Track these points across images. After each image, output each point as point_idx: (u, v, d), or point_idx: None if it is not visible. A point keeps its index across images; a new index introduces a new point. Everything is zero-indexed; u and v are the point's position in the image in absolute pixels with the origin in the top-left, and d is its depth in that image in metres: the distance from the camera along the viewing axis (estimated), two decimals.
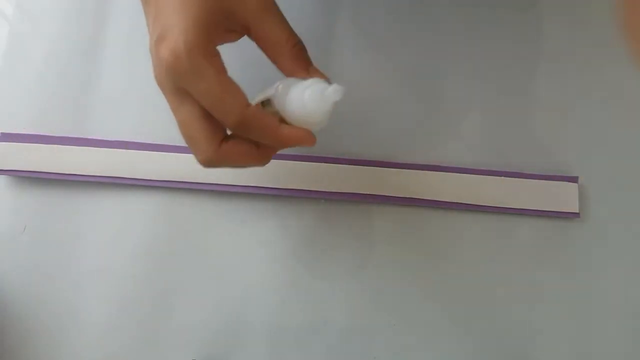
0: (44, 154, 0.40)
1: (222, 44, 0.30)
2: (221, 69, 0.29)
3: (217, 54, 0.29)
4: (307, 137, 0.29)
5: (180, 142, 0.41)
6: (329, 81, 0.29)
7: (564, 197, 0.40)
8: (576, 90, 0.41)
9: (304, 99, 0.28)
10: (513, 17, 0.43)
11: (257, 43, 0.31)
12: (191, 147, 0.30)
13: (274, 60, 0.31)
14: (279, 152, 0.40)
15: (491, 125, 0.42)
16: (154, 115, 0.42)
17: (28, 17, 0.44)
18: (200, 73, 0.28)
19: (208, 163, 0.30)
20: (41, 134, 0.41)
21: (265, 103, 0.31)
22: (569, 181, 0.40)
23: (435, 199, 0.40)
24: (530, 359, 0.38)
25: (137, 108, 0.42)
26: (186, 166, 0.40)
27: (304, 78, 0.29)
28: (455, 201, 0.40)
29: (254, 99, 0.32)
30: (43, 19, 0.44)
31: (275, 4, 0.30)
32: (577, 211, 0.40)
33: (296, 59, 0.31)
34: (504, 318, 0.39)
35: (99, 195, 0.40)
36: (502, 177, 0.41)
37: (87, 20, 0.44)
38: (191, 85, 0.28)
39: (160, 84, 0.29)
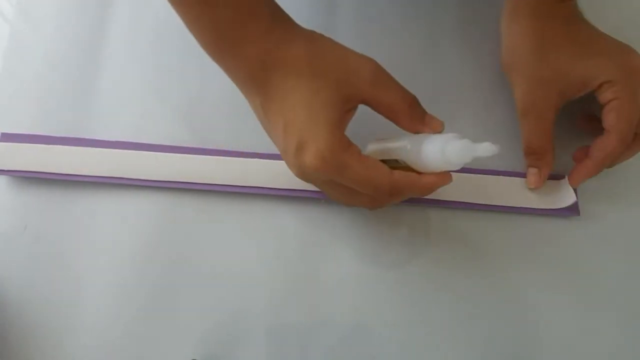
0: (44, 154, 0.40)
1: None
2: (359, 154, 0.31)
3: (350, 142, 0.32)
4: (447, 177, 0.32)
5: (180, 142, 0.41)
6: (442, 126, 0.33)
7: (564, 196, 0.40)
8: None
9: (446, 153, 0.30)
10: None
11: (375, 110, 0.33)
12: (369, 188, 0.32)
13: (393, 121, 0.33)
14: (277, 152, 0.40)
15: (491, 124, 0.42)
16: (154, 115, 0.42)
17: (28, 17, 0.44)
18: (345, 167, 0.30)
19: (391, 194, 0.32)
20: (41, 134, 0.41)
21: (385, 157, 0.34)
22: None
23: (435, 198, 0.40)
24: (531, 357, 0.38)
25: (137, 108, 0.42)
26: (186, 166, 0.40)
27: (429, 133, 0.32)
28: (456, 200, 0.40)
29: (366, 149, 0.36)
30: (43, 19, 0.44)
31: (384, 72, 0.32)
32: (577, 210, 0.40)
33: (414, 118, 0.33)
34: (504, 316, 0.39)
35: (99, 195, 0.40)
36: (502, 176, 0.41)
37: (87, 20, 0.44)
38: (339, 178, 0.31)
39: (308, 180, 0.34)
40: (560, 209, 0.40)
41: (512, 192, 0.40)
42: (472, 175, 0.40)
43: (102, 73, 0.43)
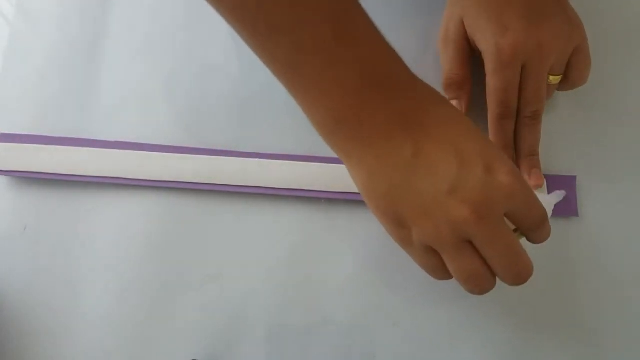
0: (44, 154, 0.40)
1: None
2: None
3: None
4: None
5: (180, 142, 0.41)
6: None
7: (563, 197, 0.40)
8: (574, 90, 0.41)
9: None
10: None
11: None
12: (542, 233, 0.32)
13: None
14: (277, 152, 0.40)
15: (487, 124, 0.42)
16: (154, 115, 0.42)
17: (28, 17, 0.44)
18: (530, 202, 0.30)
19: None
20: (41, 134, 0.41)
21: None
22: (568, 181, 0.40)
23: None
24: (531, 356, 0.38)
25: (137, 108, 0.42)
26: (186, 166, 0.40)
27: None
28: None
29: None
30: (43, 19, 0.44)
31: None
32: (576, 210, 0.40)
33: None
34: (504, 316, 0.39)
35: (99, 196, 0.40)
36: None
37: (87, 21, 0.44)
38: (523, 204, 0.29)
39: (490, 201, 0.28)
40: (560, 209, 0.40)
41: None
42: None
43: (102, 73, 0.43)
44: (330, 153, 0.40)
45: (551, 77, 0.38)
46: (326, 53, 0.27)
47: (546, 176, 0.40)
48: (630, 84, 0.43)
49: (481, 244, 0.29)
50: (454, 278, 0.31)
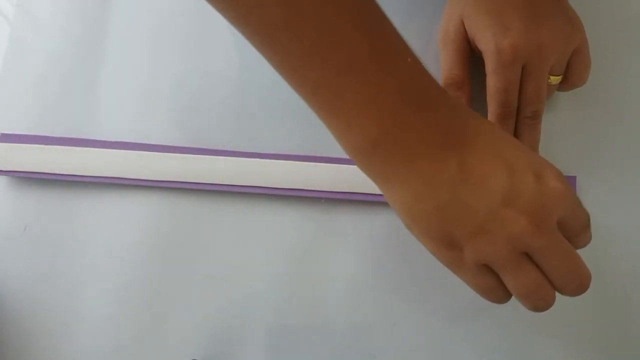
0: (44, 154, 0.40)
1: None
2: None
3: None
4: None
5: (180, 142, 0.41)
6: None
7: None
8: (574, 90, 0.41)
9: None
10: None
11: None
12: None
13: None
14: (277, 152, 0.40)
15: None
16: (154, 115, 0.42)
17: (28, 18, 0.44)
18: (574, 192, 0.29)
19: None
20: (41, 134, 0.41)
21: None
22: (568, 181, 0.40)
23: None
24: (530, 356, 0.38)
25: (137, 108, 0.42)
26: (186, 166, 0.40)
27: None
28: None
29: None
30: (43, 19, 0.44)
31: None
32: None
33: None
34: (503, 316, 0.39)
35: (99, 196, 0.40)
36: None
37: (88, 20, 0.44)
38: (572, 208, 0.29)
39: (541, 223, 0.28)
40: None
41: None
42: None
43: (102, 73, 0.43)
44: (330, 153, 0.40)
45: (551, 78, 0.38)
46: (362, 73, 0.26)
47: None
48: (630, 84, 0.43)
49: (541, 255, 0.28)
50: (513, 297, 0.31)
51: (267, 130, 0.41)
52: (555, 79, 0.38)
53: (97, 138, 0.41)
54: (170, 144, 0.40)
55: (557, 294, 0.30)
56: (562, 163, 0.41)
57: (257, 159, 0.40)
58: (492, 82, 0.37)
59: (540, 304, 0.30)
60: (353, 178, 0.39)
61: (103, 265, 0.39)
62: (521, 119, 0.39)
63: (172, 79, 0.43)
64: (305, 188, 0.39)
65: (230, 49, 0.43)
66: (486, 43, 0.37)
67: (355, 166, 0.36)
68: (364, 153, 0.28)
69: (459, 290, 0.39)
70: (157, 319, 0.39)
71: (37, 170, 0.40)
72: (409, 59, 0.27)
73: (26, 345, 0.38)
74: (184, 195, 0.40)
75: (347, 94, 0.26)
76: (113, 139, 0.40)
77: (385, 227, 0.40)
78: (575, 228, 0.30)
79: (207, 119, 0.42)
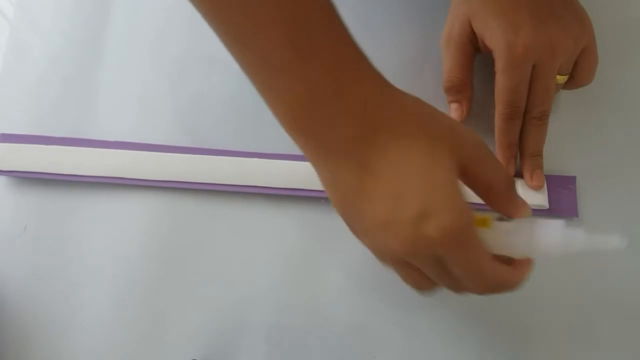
0: (44, 155, 0.40)
1: None
2: (481, 245, 0.28)
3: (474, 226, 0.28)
4: (532, 264, 0.31)
5: (180, 142, 0.41)
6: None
7: (562, 197, 0.40)
8: (574, 90, 0.41)
9: (571, 245, 0.30)
10: None
11: (468, 185, 0.30)
12: (475, 279, 0.30)
13: (485, 200, 0.31)
14: (277, 152, 0.40)
15: (489, 125, 0.42)
16: (154, 115, 0.42)
17: (29, 17, 0.44)
18: (469, 246, 0.28)
19: (488, 290, 0.31)
20: (41, 134, 0.41)
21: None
22: (568, 181, 0.40)
23: None
24: (530, 356, 0.38)
25: (137, 108, 0.42)
26: (186, 166, 0.40)
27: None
28: None
29: None
30: (43, 20, 0.44)
31: (487, 150, 0.30)
32: (576, 211, 0.40)
33: (509, 200, 0.31)
34: (503, 316, 0.39)
35: (99, 196, 0.40)
36: None
37: (88, 21, 0.44)
38: (456, 257, 0.28)
39: (407, 251, 0.28)
40: (559, 210, 0.40)
41: None
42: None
43: (102, 73, 0.43)
44: None
45: (558, 77, 0.38)
46: (279, 61, 0.26)
47: (546, 176, 0.40)
48: (630, 83, 0.43)
49: (418, 269, 0.30)
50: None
51: (267, 130, 0.41)
52: (561, 78, 0.38)
53: (97, 138, 0.41)
54: (170, 144, 0.40)
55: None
56: (562, 163, 0.41)
57: (257, 159, 0.40)
58: (502, 80, 0.37)
59: (419, 291, 0.33)
60: None
61: (103, 265, 0.39)
62: (528, 119, 0.38)
63: (172, 79, 0.43)
64: (305, 188, 0.39)
65: None
66: (497, 41, 0.37)
67: None
68: (290, 133, 0.29)
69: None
70: (157, 319, 0.39)
71: (37, 170, 0.40)
72: (331, 58, 0.26)
73: (26, 345, 0.38)
74: (184, 195, 0.40)
75: (269, 78, 0.27)
76: (113, 139, 0.41)
77: None
78: (462, 274, 0.29)
79: (207, 119, 0.42)
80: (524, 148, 0.39)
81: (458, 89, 0.40)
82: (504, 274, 0.30)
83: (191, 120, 0.42)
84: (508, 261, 0.31)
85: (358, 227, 0.30)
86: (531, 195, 0.39)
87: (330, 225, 0.40)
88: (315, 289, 0.39)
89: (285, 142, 0.40)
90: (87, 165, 0.40)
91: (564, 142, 0.42)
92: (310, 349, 0.38)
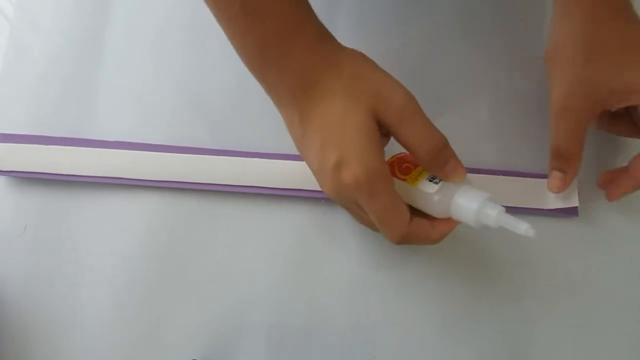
0: (44, 155, 0.40)
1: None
2: (392, 189, 0.31)
3: (389, 175, 0.31)
4: (454, 225, 0.33)
5: (180, 142, 0.41)
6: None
7: (564, 196, 0.40)
8: None
9: (481, 218, 0.31)
10: (512, 17, 0.43)
11: (398, 142, 0.32)
12: (384, 228, 0.32)
13: (416, 160, 0.34)
14: (277, 152, 0.40)
15: (490, 124, 0.42)
16: (154, 115, 0.42)
17: (29, 17, 0.44)
18: (374, 195, 0.31)
19: (400, 241, 0.33)
20: (41, 134, 0.41)
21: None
22: None
23: None
24: (529, 356, 0.38)
25: (137, 108, 0.42)
26: (186, 166, 0.40)
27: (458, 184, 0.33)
28: None
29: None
30: (44, 20, 0.44)
31: (413, 108, 0.31)
32: (577, 210, 0.40)
33: (434, 162, 0.32)
34: (503, 316, 0.39)
35: (98, 196, 0.40)
36: (501, 176, 0.40)
37: (88, 21, 0.44)
38: (366, 204, 0.31)
39: (338, 199, 0.33)
40: (559, 210, 0.40)
41: (511, 192, 0.40)
42: (471, 174, 0.40)
43: (102, 73, 0.43)
44: None
45: None
46: (236, 24, 0.32)
47: (547, 176, 0.40)
48: None
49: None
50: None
51: (267, 130, 0.41)
52: None
53: (97, 138, 0.41)
54: (170, 144, 0.40)
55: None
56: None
57: (257, 159, 0.40)
58: None
59: (379, 232, 0.34)
60: None
61: (103, 265, 0.39)
62: None
63: (172, 79, 0.43)
64: (305, 188, 0.39)
65: (230, 49, 0.43)
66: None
67: None
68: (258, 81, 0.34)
69: (459, 291, 0.39)
70: (157, 319, 0.39)
71: (37, 170, 0.40)
72: (278, 20, 0.31)
73: (26, 345, 0.38)
74: (184, 195, 0.40)
75: (234, 40, 0.33)
76: (113, 139, 0.40)
77: None
78: (373, 218, 0.32)
79: (207, 119, 0.42)
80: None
81: (566, 160, 0.37)
82: (418, 227, 0.32)
83: (191, 120, 0.42)
84: (429, 217, 0.33)
85: (310, 168, 0.34)
86: (561, 195, 0.40)
87: (330, 225, 0.40)
88: (315, 289, 0.39)
89: (285, 142, 0.41)
90: (87, 165, 0.40)
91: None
92: (310, 349, 0.38)
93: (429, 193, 0.32)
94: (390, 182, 0.31)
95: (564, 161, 0.37)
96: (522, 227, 0.30)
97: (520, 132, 0.42)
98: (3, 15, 0.44)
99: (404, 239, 0.32)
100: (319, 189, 0.39)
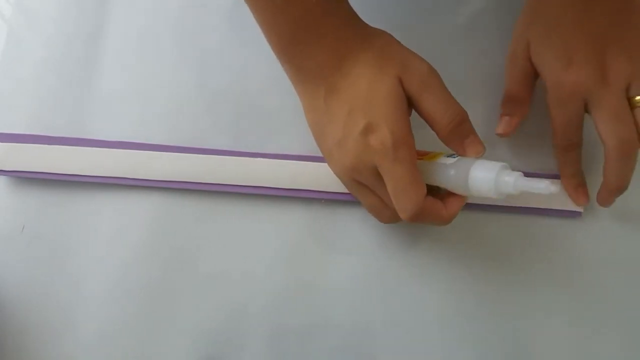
0: (42, 154, 0.40)
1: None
2: (415, 161, 0.32)
3: (414, 144, 0.32)
4: (464, 201, 0.34)
5: (180, 142, 0.41)
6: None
7: (567, 196, 0.40)
8: None
9: (500, 186, 0.31)
10: (513, 17, 0.43)
11: (419, 115, 0.34)
12: (401, 198, 0.32)
13: (434, 130, 0.34)
14: (277, 152, 0.40)
15: (492, 124, 0.42)
16: (154, 115, 0.42)
17: (26, 16, 0.44)
18: (400, 162, 0.31)
19: (413, 216, 0.33)
20: (40, 134, 0.40)
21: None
22: None
23: None
24: (531, 356, 0.38)
25: (137, 108, 0.42)
26: (186, 166, 0.40)
27: (475, 159, 0.33)
28: None
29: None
30: (42, 19, 0.44)
31: (436, 80, 0.33)
32: (580, 210, 0.40)
33: (453, 135, 0.33)
34: (505, 316, 0.39)
35: (98, 196, 0.40)
36: None
37: (86, 20, 0.44)
38: (388, 170, 0.32)
39: (355, 165, 0.33)
40: (563, 210, 0.40)
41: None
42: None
43: (101, 73, 0.43)
44: None
45: (638, 97, 0.36)
46: (267, 4, 0.33)
47: (549, 176, 0.40)
48: None
49: (372, 185, 0.34)
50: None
51: (267, 130, 0.41)
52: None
53: (96, 136, 0.41)
54: (170, 144, 0.40)
55: None
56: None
57: (258, 159, 0.40)
58: (553, 114, 0.37)
59: (380, 219, 0.37)
60: None
61: (102, 266, 0.39)
62: (609, 150, 0.36)
63: (171, 78, 0.43)
64: (305, 188, 0.39)
65: (230, 49, 0.43)
66: (549, 75, 0.37)
67: None
68: (282, 63, 0.35)
69: (459, 290, 0.39)
70: (157, 319, 0.39)
71: (36, 170, 0.40)
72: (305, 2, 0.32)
73: (25, 345, 0.38)
74: (184, 195, 0.40)
75: (264, 25, 0.34)
76: (112, 139, 0.40)
77: (385, 227, 0.40)
78: (390, 189, 0.32)
79: (207, 118, 0.42)
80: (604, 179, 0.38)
81: (515, 104, 0.39)
82: (432, 204, 0.33)
83: (191, 120, 0.42)
84: (441, 198, 0.34)
85: (325, 149, 0.36)
86: (567, 199, 0.40)
87: (331, 225, 0.40)
88: (315, 289, 0.39)
89: (285, 142, 0.41)
90: (86, 165, 0.40)
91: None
92: (310, 349, 0.38)
93: (446, 164, 0.33)
94: (414, 152, 0.32)
95: (512, 105, 0.40)
96: (541, 185, 0.30)
97: (525, 134, 0.41)
98: (1, 16, 0.44)
99: (417, 216, 0.32)
100: (320, 189, 0.39)
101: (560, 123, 0.37)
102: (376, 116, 0.32)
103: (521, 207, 0.40)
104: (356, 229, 0.40)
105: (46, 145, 0.40)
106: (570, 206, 0.40)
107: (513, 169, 0.40)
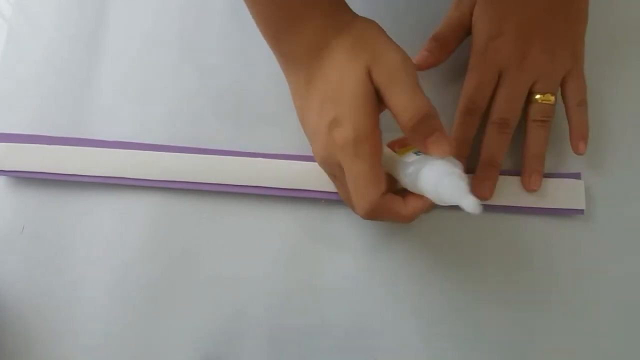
0: (42, 154, 0.40)
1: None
2: (375, 157, 0.31)
3: (378, 141, 0.31)
4: (428, 205, 0.32)
5: (180, 142, 0.41)
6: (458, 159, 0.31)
7: (570, 194, 0.40)
8: None
9: (440, 190, 0.28)
10: None
11: (388, 108, 0.32)
12: (355, 195, 0.32)
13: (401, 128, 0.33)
14: (277, 152, 0.40)
15: None
16: (154, 115, 0.42)
17: (27, 17, 0.44)
18: (358, 158, 0.31)
19: (368, 213, 0.33)
20: (40, 134, 0.40)
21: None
22: (574, 178, 0.40)
23: None
24: (531, 357, 0.38)
25: (137, 108, 0.42)
26: (186, 166, 0.40)
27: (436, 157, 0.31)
28: None
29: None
30: (42, 18, 0.44)
31: (405, 73, 0.31)
32: (583, 209, 0.40)
33: (417, 132, 0.31)
34: (507, 316, 0.39)
35: (97, 196, 0.40)
36: (506, 176, 0.40)
37: (86, 20, 0.44)
38: (346, 167, 0.31)
39: (327, 165, 0.34)
40: (565, 210, 0.40)
41: (515, 191, 0.40)
42: (471, 174, 0.40)
43: (101, 73, 0.43)
44: None
45: (538, 96, 0.39)
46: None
47: (552, 174, 0.40)
48: (634, 80, 0.43)
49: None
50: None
51: (267, 130, 0.41)
52: (543, 98, 0.39)
53: (96, 137, 0.41)
54: (169, 144, 0.40)
55: None
56: (567, 160, 0.41)
57: (257, 159, 0.40)
58: (468, 75, 0.39)
59: (355, 212, 0.35)
60: None
61: (101, 265, 0.39)
62: (488, 124, 0.39)
63: (171, 78, 0.43)
64: (305, 188, 0.39)
65: (230, 49, 0.43)
66: (478, 39, 0.39)
67: None
68: (271, 49, 0.35)
69: (460, 291, 0.39)
70: (157, 319, 0.39)
71: (36, 170, 0.40)
72: None
73: (25, 345, 0.38)
74: (184, 195, 0.40)
75: (253, 8, 0.34)
76: (112, 139, 0.40)
77: (383, 227, 0.40)
78: (349, 184, 0.32)
79: (207, 118, 0.42)
80: (481, 154, 0.39)
81: (439, 45, 0.40)
82: (391, 202, 0.32)
83: (190, 120, 0.42)
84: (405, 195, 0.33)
85: (308, 134, 0.35)
86: (569, 198, 0.40)
87: (330, 225, 0.40)
88: (314, 289, 0.39)
89: (285, 142, 0.41)
90: (86, 165, 0.40)
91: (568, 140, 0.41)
92: (310, 349, 0.38)
93: (406, 162, 0.31)
94: (375, 148, 0.31)
95: (436, 44, 0.40)
96: (465, 202, 0.27)
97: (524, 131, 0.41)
98: (1, 16, 0.44)
99: (373, 212, 0.32)
100: (320, 189, 0.39)
101: (471, 84, 0.39)
102: (342, 109, 0.31)
103: (521, 207, 0.40)
104: (355, 229, 0.40)
105: (46, 145, 0.40)
106: (572, 205, 0.40)
107: (509, 169, 0.40)
